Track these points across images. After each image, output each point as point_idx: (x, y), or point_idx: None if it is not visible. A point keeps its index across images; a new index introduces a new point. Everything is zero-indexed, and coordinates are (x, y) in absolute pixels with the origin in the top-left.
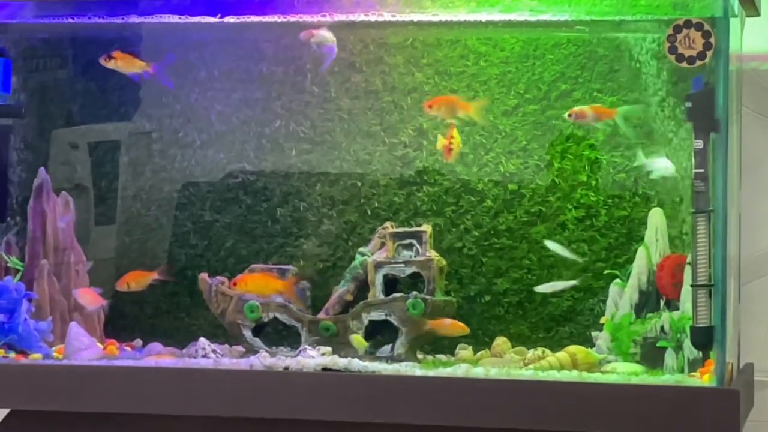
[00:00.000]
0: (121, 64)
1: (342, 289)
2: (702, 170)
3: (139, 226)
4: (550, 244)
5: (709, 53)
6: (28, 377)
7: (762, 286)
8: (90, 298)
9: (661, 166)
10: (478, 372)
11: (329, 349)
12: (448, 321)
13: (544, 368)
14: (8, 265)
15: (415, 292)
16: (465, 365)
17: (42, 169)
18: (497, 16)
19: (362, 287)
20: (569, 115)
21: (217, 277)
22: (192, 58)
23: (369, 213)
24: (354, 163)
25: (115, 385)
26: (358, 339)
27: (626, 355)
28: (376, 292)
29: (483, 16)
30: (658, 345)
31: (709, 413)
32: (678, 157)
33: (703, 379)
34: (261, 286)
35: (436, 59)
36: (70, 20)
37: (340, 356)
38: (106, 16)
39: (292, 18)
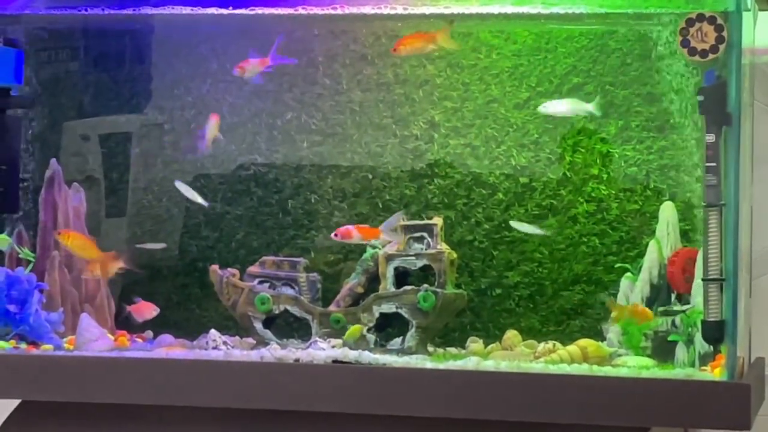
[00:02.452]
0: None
1: (353, 282)
2: (714, 164)
3: (150, 217)
4: (516, 224)
5: (721, 47)
6: (39, 368)
7: None
8: (146, 311)
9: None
10: (489, 365)
11: (340, 341)
12: (641, 307)
13: (555, 361)
14: (20, 256)
15: (426, 285)
16: (475, 358)
17: (54, 160)
18: (509, 9)
19: (373, 280)
20: (335, 235)
21: (228, 269)
22: (203, 50)
23: (380, 205)
24: (365, 155)
25: (126, 377)
26: (351, 331)
27: (637, 349)
28: (387, 285)
29: (495, 9)
30: (669, 339)
31: (720, 407)
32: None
33: (714, 373)
34: (78, 247)
35: (448, 52)
36: (82, 12)
37: (350, 348)
38: (117, 7)
39: (304, 10)
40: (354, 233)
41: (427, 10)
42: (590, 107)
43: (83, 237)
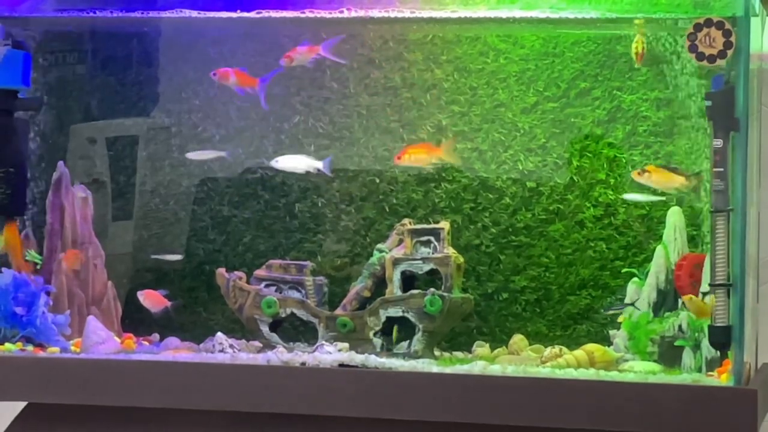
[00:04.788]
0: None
1: (360, 286)
2: (721, 169)
3: (157, 221)
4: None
5: (729, 52)
6: (45, 370)
7: None
8: (154, 300)
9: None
10: (495, 369)
11: (346, 345)
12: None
13: (561, 366)
14: (27, 258)
15: (432, 289)
16: (482, 362)
17: (61, 163)
18: (517, 13)
19: (380, 283)
20: (214, 74)
21: (235, 272)
22: (211, 54)
23: (387, 209)
24: (372, 159)
25: (132, 380)
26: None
27: (644, 354)
28: (394, 289)
29: (503, 13)
30: (675, 344)
31: (727, 413)
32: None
33: (721, 378)
34: (9, 244)
35: (455, 56)
36: (90, 14)
37: (357, 352)
38: (125, 10)
39: (312, 13)
40: (231, 77)
41: (434, 13)
42: (319, 164)
43: (18, 238)
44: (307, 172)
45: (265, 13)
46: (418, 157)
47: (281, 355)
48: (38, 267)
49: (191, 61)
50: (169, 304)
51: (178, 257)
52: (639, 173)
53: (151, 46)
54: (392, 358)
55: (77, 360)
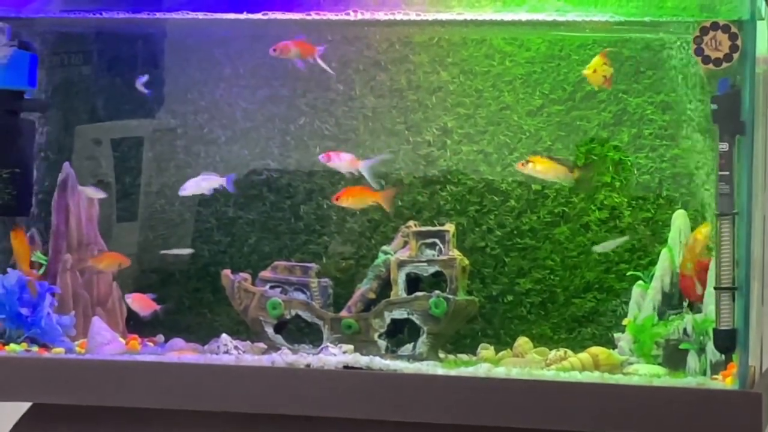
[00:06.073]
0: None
1: (365, 287)
2: (727, 173)
3: (162, 222)
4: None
5: (735, 55)
6: (50, 371)
7: None
8: (143, 304)
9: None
10: (500, 372)
11: (351, 347)
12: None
13: (566, 369)
14: (32, 259)
15: (437, 291)
16: (486, 365)
17: (66, 164)
18: (523, 16)
19: (385, 285)
20: (273, 50)
21: (240, 274)
22: (217, 55)
23: (392, 211)
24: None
25: (137, 380)
26: None
27: (648, 357)
28: (399, 291)
29: (509, 16)
30: (680, 347)
31: (731, 416)
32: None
33: (726, 382)
34: (18, 251)
35: (461, 58)
36: (96, 15)
37: (361, 354)
38: (131, 11)
39: (317, 15)
40: (292, 48)
41: (440, 15)
42: (222, 181)
43: (26, 246)
44: (215, 190)
45: (272, 15)
46: (354, 200)
47: (286, 356)
48: (42, 268)
49: (197, 62)
50: (158, 307)
51: (189, 251)
52: (523, 164)
53: (156, 47)
54: (397, 360)
55: (82, 361)
